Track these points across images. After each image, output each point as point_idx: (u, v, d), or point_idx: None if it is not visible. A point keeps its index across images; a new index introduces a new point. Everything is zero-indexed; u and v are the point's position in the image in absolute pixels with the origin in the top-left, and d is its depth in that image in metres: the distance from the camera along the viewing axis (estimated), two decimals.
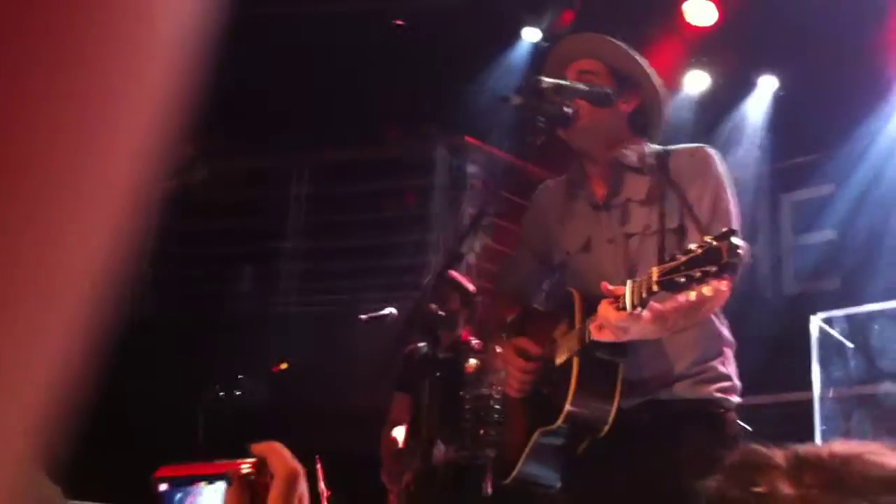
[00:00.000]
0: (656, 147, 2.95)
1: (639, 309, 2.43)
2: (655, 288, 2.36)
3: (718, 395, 2.81)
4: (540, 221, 3.10)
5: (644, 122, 2.96)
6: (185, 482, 1.19)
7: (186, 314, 7.99)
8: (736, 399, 2.86)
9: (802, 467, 1.09)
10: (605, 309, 2.49)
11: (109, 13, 0.33)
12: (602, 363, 2.67)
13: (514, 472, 2.85)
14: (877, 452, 1.10)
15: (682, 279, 2.28)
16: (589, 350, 2.64)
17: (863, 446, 1.13)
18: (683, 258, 2.30)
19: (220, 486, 1.13)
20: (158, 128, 0.36)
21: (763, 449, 1.15)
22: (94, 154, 0.34)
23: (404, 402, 4.68)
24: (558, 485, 2.92)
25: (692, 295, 2.29)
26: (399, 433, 4.63)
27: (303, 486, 1.03)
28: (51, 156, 0.32)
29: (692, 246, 2.30)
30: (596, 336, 2.55)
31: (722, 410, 2.82)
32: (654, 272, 2.36)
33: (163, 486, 1.19)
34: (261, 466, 1.04)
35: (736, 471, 1.15)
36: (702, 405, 2.79)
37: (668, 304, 2.46)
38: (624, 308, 2.44)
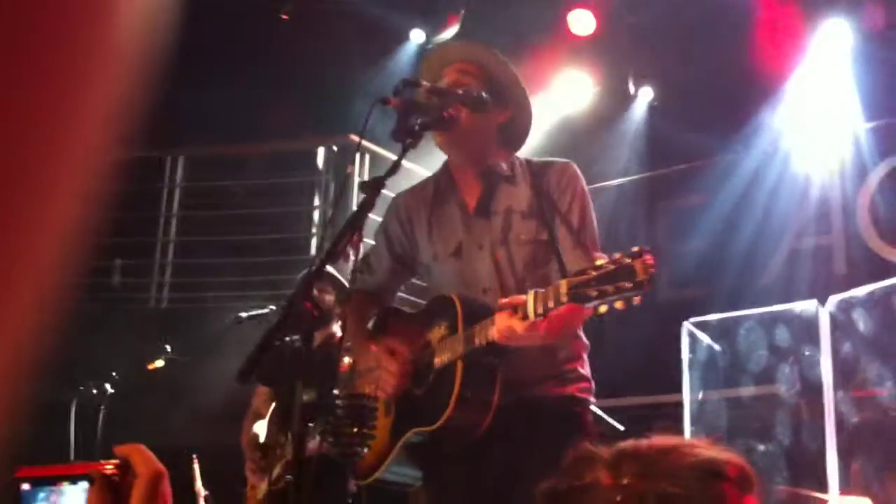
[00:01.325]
0: (523, 159, 3.03)
1: (538, 318, 2.49)
2: (565, 299, 2.41)
3: (580, 394, 2.91)
4: (402, 223, 3.11)
5: (513, 135, 3.02)
6: (48, 482, 1.18)
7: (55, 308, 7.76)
8: (592, 399, 2.98)
9: (622, 459, 1.16)
10: (505, 318, 2.54)
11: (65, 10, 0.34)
12: (482, 367, 2.71)
13: (378, 473, 2.88)
14: (692, 444, 1.18)
15: (594, 293, 2.33)
16: (475, 354, 2.68)
17: (680, 440, 1.21)
18: (594, 273, 2.35)
19: (84, 487, 1.13)
20: (110, 125, 0.38)
21: (590, 445, 1.22)
22: (44, 153, 0.35)
23: (265, 395, 4.66)
24: (418, 483, 2.96)
25: (603, 308, 2.35)
26: (261, 427, 4.61)
27: (165, 487, 1.03)
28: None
29: (601, 262, 2.35)
30: (499, 342, 2.59)
31: (581, 409, 2.91)
32: (563, 284, 2.41)
33: (25, 486, 1.18)
34: (124, 467, 1.04)
35: (566, 467, 1.21)
36: (564, 403, 2.88)
37: (559, 314, 2.51)
38: (527, 317, 2.49)
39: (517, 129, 3.02)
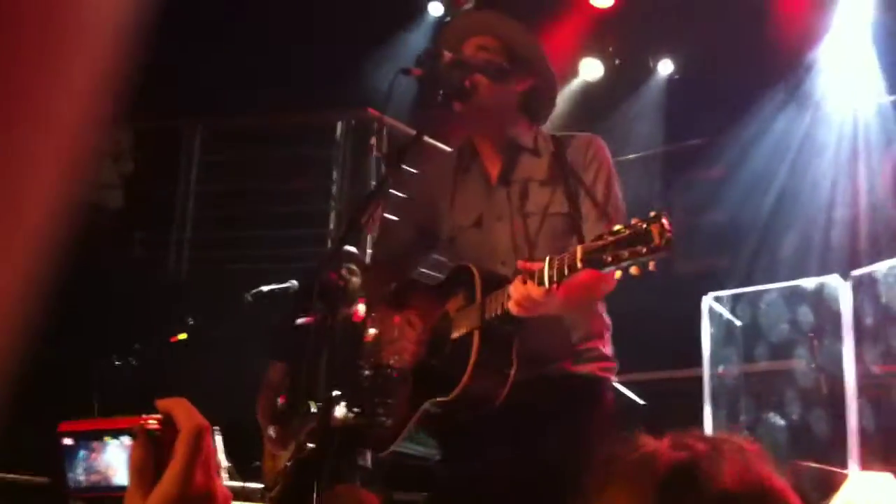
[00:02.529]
0: (547, 132, 3.01)
1: (555, 285, 2.47)
2: (580, 265, 2.39)
3: (601, 374, 2.89)
4: (427, 194, 3.10)
5: (535, 104, 2.99)
6: (90, 437, 1.19)
7: (79, 281, 7.82)
8: (615, 379, 2.96)
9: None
10: (520, 286, 2.52)
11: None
12: (499, 339, 2.70)
13: (395, 445, 2.88)
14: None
15: (609, 258, 2.32)
16: (492, 325, 2.68)
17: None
18: (611, 238, 2.33)
19: (125, 441, 1.12)
20: (93, 106, 0.38)
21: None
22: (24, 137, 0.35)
23: (281, 370, 4.70)
24: (437, 457, 2.96)
25: (618, 274, 2.34)
26: (280, 400, 4.65)
27: (209, 442, 1.03)
28: None
29: (618, 227, 2.34)
30: (514, 311, 2.57)
31: (602, 389, 2.90)
32: (579, 250, 2.40)
33: (67, 441, 1.19)
34: (166, 421, 1.03)
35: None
36: (586, 382, 2.86)
37: (576, 281, 2.50)
38: (542, 283, 2.48)
39: (540, 98, 2.99)
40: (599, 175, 2.88)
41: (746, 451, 1.20)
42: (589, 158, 2.90)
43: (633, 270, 2.31)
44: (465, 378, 2.67)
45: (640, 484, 1.18)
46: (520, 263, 2.56)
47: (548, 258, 2.48)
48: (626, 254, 2.29)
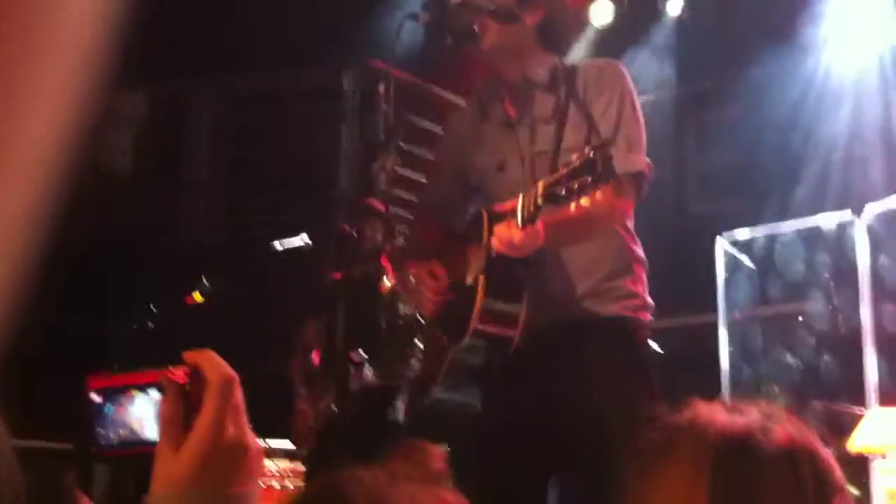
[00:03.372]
0: (570, 64, 2.95)
1: (531, 223, 2.45)
2: (540, 202, 2.37)
3: (628, 313, 2.85)
4: (454, 145, 3.09)
5: (552, 34, 2.94)
6: (117, 391, 1.19)
7: (91, 244, 7.83)
8: (647, 318, 2.89)
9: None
10: (502, 226, 2.51)
11: None
12: (506, 280, 2.69)
13: (432, 393, 2.87)
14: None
15: (563, 191, 2.30)
16: (492, 266, 2.66)
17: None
18: (565, 171, 2.31)
19: (154, 395, 1.12)
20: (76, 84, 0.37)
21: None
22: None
23: (314, 328, 4.68)
24: (477, 405, 2.95)
25: (572, 206, 2.31)
26: (312, 358, 4.64)
27: (238, 395, 1.02)
28: None
29: (573, 157, 2.32)
30: (496, 251, 2.56)
31: (632, 329, 2.85)
32: (540, 185, 2.37)
33: (95, 397, 1.19)
34: (194, 373, 1.02)
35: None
36: (611, 323, 2.81)
37: (558, 216, 2.47)
38: (521, 223, 2.46)
39: (555, 28, 2.94)
40: (612, 102, 2.81)
41: (791, 417, 1.22)
42: (601, 86, 2.83)
43: (584, 202, 2.27)
44: (472, 322, 2.66)
45: (696, 456, 1.17)
46: (496, 206, 2.54)
47: (521, 196, 2.46)
48: (575, 185, 2.27)
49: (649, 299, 2.90)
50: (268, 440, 4.69)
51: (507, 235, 2.48)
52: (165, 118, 8.48)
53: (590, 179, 2.25)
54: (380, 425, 4.19)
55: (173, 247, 7.69)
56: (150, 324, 5.41)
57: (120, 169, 8.15)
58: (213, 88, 8.06)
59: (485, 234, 2.72)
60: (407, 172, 6.14)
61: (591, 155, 2.26)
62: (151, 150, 8.41)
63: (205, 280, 5.33)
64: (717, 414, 1.20)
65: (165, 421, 1.02)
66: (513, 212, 2.48)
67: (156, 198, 8.46)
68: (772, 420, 1.19)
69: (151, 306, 5.36)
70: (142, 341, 5.35)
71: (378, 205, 4.12)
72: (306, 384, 4.58)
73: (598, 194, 2.26)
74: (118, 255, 7.39)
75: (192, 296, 5.44)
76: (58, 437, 5.04)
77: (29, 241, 0.37)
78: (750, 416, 1.19)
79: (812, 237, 5.79)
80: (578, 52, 6.70)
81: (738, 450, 1.16)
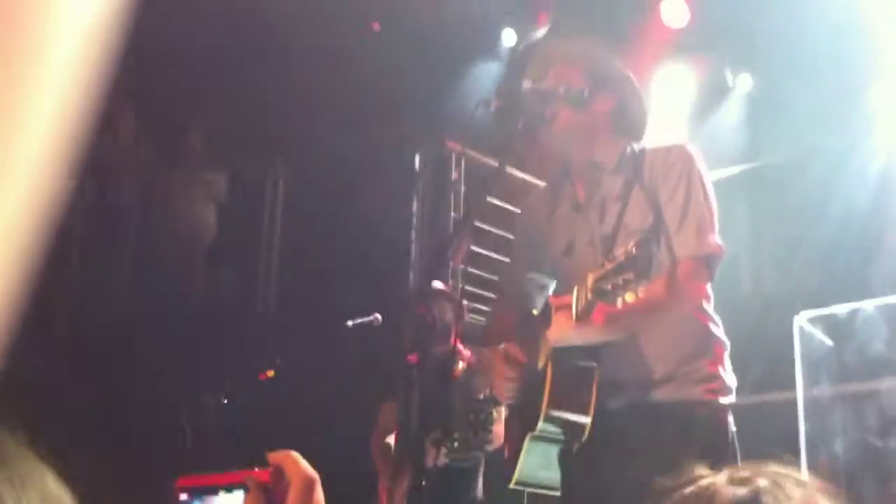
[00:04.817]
0: (634, 147, 2.96)
1: (586, 318, 2.46)
2: (590, 296, 2.38)
3: (707, 396, 2.79)
4: (528, 230, 3.11)
5: (625, 120, 2.96)
6: (204, 492, 1.21)
7: (165, 317, 7.98)
8: (726, 400, 2.83)
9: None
10: (559, 320, 2.53)
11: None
12: (574, 368, 2.68)
13: (516, 477, 2.86)
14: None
15: (609, 286, 2.30)
16: (565, 354, 2.66)
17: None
18: (610, 266, 2.32)
19: (238, 495, 1.16)
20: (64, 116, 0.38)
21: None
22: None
23: (391, 410, 4.68)
24: (558, 490, 2.92)
25: (618, 302, 2.31)
26: (391, 440, 4.63)
27: (319, 494, 1.05)
28: None
29: (618, 253, 2.32)
30: (553, 341, 2.58)
31: (709, 412, 2.80)
32: (589, 279, 2.38)
33: (183, 497, 1.21)
34: (277, 474, 1.06)
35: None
36: (687, 408, 2.77)
37: (622, 307, 2.47)
38: (573, 317, 2.47)
39: (629, 115, 2.96)
40: (680, 184, 2.79)
41: (808, 485, 1.14)
42: (668, 168, 2.83)
43: (628, 297, 2.27)
44: (542, 408, 2.65)
45: None
46: (550, 299, 2.57)
47: (575, 290, 2.47)
48: (621, 280, 2.27)
49: (730, 380, 2.85)
50: None
51: (559, 328, 2.52)
52: (244, 196, 8.67)
53: (632, 276, 2.25)
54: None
55: (247, 321, 7.78)
56: (224, 399, 5.48)
57: (203, 238, 8.33)
58: (289, 166, 8.23)
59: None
60: (481, 250, 6.20)
61: (634, 251, 2.26)
62: (230, 227, 8.58)
63: (276, 358, 5.40)
64: (720, 481, 1.14)
65: None
66: (564, 305, 2.50)
67: (232, 273, 8.60)
68: (781, 488, 1.11)
69: (225, 382, 5.44)
70: (217, 416, 5.41)
71: (447, 289, 4.16)
72: (385, 465, 4.58)
73: (642, 290, 2.26)
74: (193, 329, 7.51)
75: (265, 372, 5.50)
76: None
77: (29, 242, 0.38)
78: (755, 484, 1.12)
79: (892, 314, 5.67)
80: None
81: None
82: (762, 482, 1.12)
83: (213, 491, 1.20)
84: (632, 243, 2.29)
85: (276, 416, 5.73)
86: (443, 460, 3.43)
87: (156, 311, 8.07)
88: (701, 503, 1.13)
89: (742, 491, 1.11)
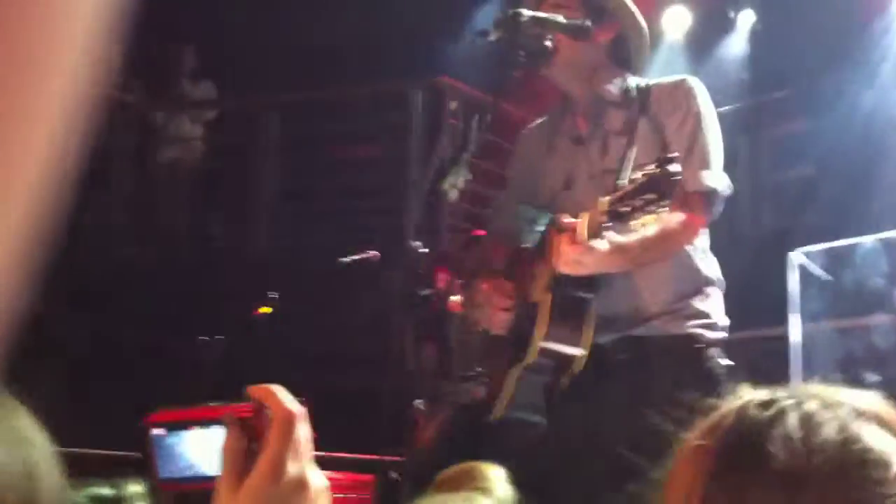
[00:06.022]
0: (639, 80, 2.91)
1: (596, 241, 2.41)
2: (605, 219, 2.34)
3: (695, 330, 2.79)
4: (525, 163, 3.07)
5: (625, 53, 2.91)
6: (180, 427, 1.17)
7: (162, 256, 7.97)
8: (716, 335, 2.83)
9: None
10: (560, 242, 2.48)
11: None
12: (572, 298, 2.66)
13: (499, 411, 2.85)
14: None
15: (626, 209, 2.26)
16: (558, 285, 2.63)
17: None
18: (629, 187, 2.28)
19: (217, 431, 1.10)
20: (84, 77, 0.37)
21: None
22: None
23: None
24: (543, 424, 2.93)
25: (636, 225, 2.28)
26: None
27: (304, 430, 1.01)
28: None
29: (637, 175, 2.28)
30: (560, 270, 2.54)
31: (699, 346, 2.80)
32: (604, 202, 2.34)
33: (157, 431, 1.17)
34: (259, 410, 1.02)
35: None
36: (677, 341, 2.76)
37: (630, 236, 2.43)
38: (580, 241, 2.42)
39: (628, 47, 2.91)
40: (687, 118, 2.75)
41: (859, 411, 0.93)
42: (675, 103, 2.79)
43: (650, 219, 2.24)
44: (536, 340, 2.64)
45: (700, 452, 0.96)
46: (559, 220, 2.51)
47: (583, 214, 2.42)
48: (639, 202, 2.23)
49: (721, 318, 2.84)
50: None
51: (570, 254, 2.46)
52: (235, 131, 8.61)
53: (655, 197, 2.21)
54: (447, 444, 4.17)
55: (238, 261, 7.77)
56: (217, 337, 5.47)
57: (188, 175, 8.30)
58: (281, 102, 8.15)
59: (551, 252, 2.69)
60: (478, 188, 6.15)
61: (658, 171, 2.22)
62: (220, 162, 8.54)
63: (272, 293, 5.37)
64: (745, 403, 0.96)
65: (228, 457, 1.01)
66: (578, 230, 2.44)
67: (223, 210, 8.58)
68: (805, 411, 0.91)
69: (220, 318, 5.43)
70: (213, 355, 5.41)
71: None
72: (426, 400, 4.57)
73: (664, 212, 2.22)
74: (182, 270, 7.51)
75: (260, 308, 5.48)
76: (127, 447, 5.11)
77: (35, 235, 0.37)
78: (776, 407, 0.92)
79: (889, 248, 5.65)
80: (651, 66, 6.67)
81: (741, 450, 0.92)
82: (787, 402, 0.93)
83: (188, 426, 1.16)
84: (653, 164, 2.25)
85: (273, 352, 5.74)
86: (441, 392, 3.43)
87: (150, 251, 8.06)
88: (708, 431, 0.97)
89: (754, 414, 0.94)
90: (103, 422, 4.77)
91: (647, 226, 2.25)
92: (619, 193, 2.30)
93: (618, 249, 2.48)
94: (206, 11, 7.93)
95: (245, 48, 8.21)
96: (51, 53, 0.35)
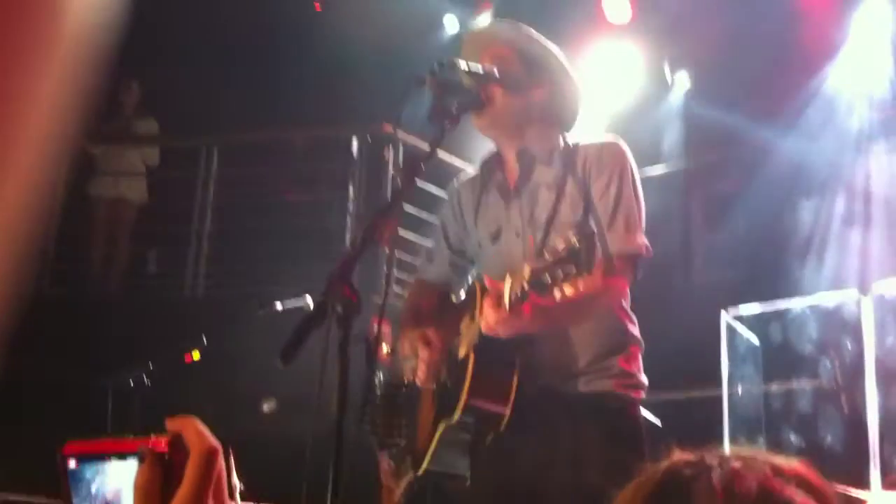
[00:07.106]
0: (569, 138, 2.93)
1: (518, 307, 2.42)
2: (526, 287, 2.36)
3: (620, 390, 2.80)
4: (456, 213, 3.07)
5: (556, 111, 2.93)
6: (95, 458, 1.13)
7: (89, 294, 7.83)
8: (639, 395, 2.85)
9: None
10: (485, 306, 2.50)
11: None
12: (497, 357, 2.65)
13: (425, 464, 2.82)
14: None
15: (548, 279, 2.28)
16: (483, 344, 2.63)
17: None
18: (550, 259, 2.30)
19: (132, 464, 1.06)
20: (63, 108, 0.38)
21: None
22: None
23: None
24: (466, 478, 2.90)
25: (556, 294, 2.30)
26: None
27: (221, 464, 0.98)
28: None
29: (560, 244, 2.30)
30: (485, 332, 2.55)
31: (623, 405, 2.81)
32: (526, 271, 2.36)
33: (72, 464, 1.13)
34: (176, 443, 0.98)
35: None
36: (600, 399, 2.78)
37: (546, 301, 2.45)
38: (503, 306, 2.44)
39: (558, 106, 2.93)
40: (612, 181, 2.78)
41: (780, 469, 1.00)
42: (602, 164, 2.82)
43: (568, 291, 2.26)
44: (461, 401, 2.63)
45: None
46: (484, 281, 2.53)
47: (508, 279, 2.44)
48: (560, 273, 2.25)
49: (642, 377, 2.87)
50: None
51: (492, 317, 2.48)
52: (177, 169, 8.53)
53: (574, 270, 2.24)
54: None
55: (173, 302, 7.66)
56: (146, 381, 5.36)
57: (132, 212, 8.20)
58: (221, 143, 8.10)
59: (477, 310, 2.69)
60: (409, 235, 6.15)
61: (577, 244, 2.25)
62: (160, 201, 8.44)
63: (202, 337, 5.29)
64: (674, 461, 1.03)
65: (141, 492, 0.97)
66: (501, 295, 2.46)
67: (161, 249, 8.46)
68: (731, 470, 0.99)
69: (149, 364, 5.32)
70: (138, 399, 5.30)
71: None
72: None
73: (581, 283, 2.25)
74: (117, 309, 7.37)
75: (189, 354, 5.40)
76: (48, 493, 4.97)
77: (24, 238, 0.38)
78: (704, 464, 1.00)
79: (816, 314, 5.75)
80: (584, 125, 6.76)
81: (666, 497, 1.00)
82: (714, 461, 1.01)
83: (105, 458, 1.12)
84: (573, 236, 2.27)
85: (199, 395, 5.64)
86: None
87: (80, 290, 7.91)
88: (637, 486, 1.04)
89: (685, 470, 1.01)
90: (22, 462, 4.63)
91: (570, 285, 2.26)
92: (540, 265, 2.32)
93: (541, 313, 2.49)
94: (151, 48, 7.89)
95: (189, 85, 8.16)
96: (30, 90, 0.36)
